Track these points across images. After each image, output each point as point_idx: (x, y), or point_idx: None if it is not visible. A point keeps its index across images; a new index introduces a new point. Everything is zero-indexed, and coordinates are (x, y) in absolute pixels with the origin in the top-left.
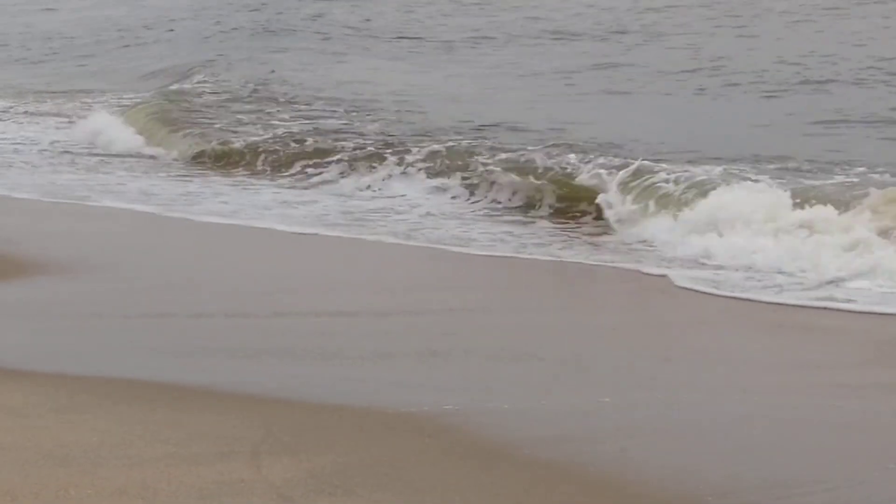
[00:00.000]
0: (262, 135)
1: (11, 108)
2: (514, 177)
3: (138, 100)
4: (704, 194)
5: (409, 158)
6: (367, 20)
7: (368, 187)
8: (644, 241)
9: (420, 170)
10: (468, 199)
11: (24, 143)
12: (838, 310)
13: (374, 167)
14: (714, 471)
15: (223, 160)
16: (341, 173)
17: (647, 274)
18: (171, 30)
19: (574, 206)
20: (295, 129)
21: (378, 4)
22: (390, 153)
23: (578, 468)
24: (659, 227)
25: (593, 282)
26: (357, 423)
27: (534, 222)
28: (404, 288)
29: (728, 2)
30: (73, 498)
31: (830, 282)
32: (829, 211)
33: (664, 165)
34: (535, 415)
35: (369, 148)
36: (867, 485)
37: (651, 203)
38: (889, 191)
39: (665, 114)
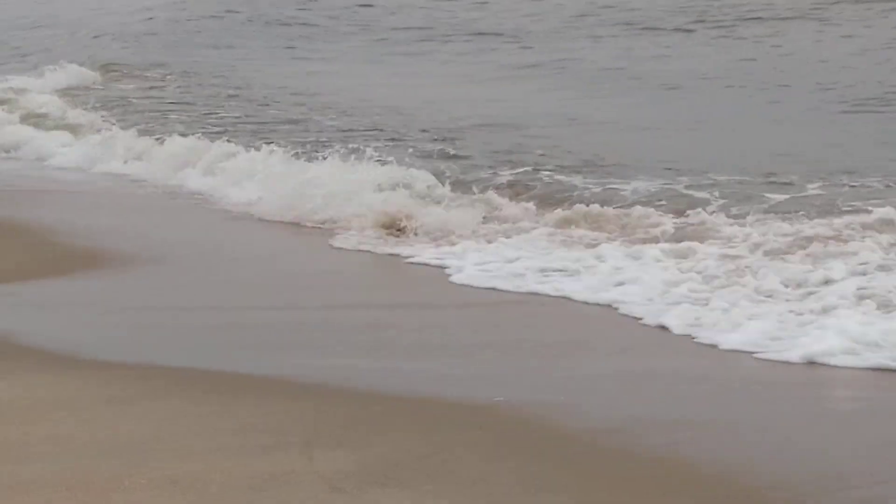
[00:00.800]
0: None
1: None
2: None
3: None
4: None
5: None
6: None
7: None
8: None
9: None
10: None
11: None
12: None
13: None
14: (765, 464)
15: None
16: None
17: None
18: None
19: None
20: None
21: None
22: None
23: (629, 461)
24: None
25: None
26: (408, 414)
27: None
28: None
29: None
30: (125, 488)
31: None
32: None
33: None
34: (585, 407)
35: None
36: None
37: None
38: None
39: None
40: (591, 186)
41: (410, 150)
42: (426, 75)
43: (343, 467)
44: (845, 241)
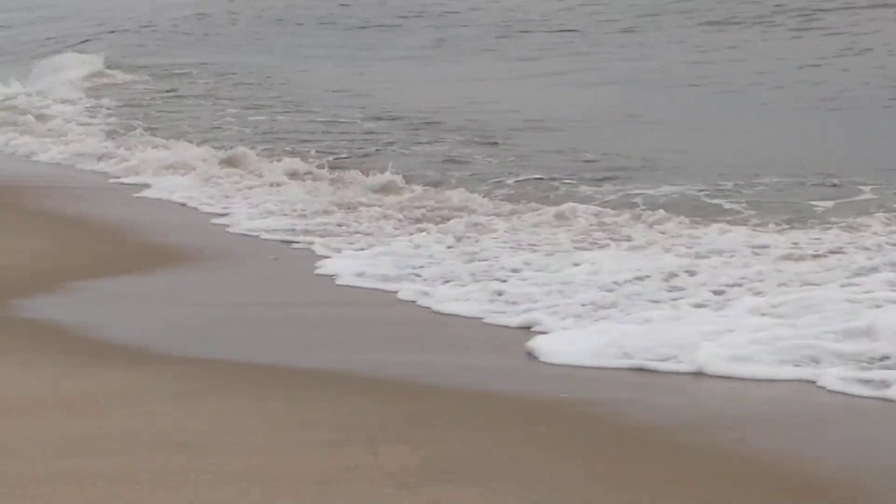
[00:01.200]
0: None
1: None
2: None
3: None
4: None
5: None
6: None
7: None
8: None
9: None
10: None
11: None
12: None
13: None
14: (830, 459)
15: None
16: None
17: None
18: None
19: None
20: None
21: None
22: None
23: (694, 456)
24: None
25: None
26: (471, 409)
27: None
28: None
29: None
30: (192, 482)
31: None
32: None
33: None
34: (650, 403)
35: None
36: None
37: None
38: None
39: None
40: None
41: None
42: (489, 73)
43: (408, 463)
44: None
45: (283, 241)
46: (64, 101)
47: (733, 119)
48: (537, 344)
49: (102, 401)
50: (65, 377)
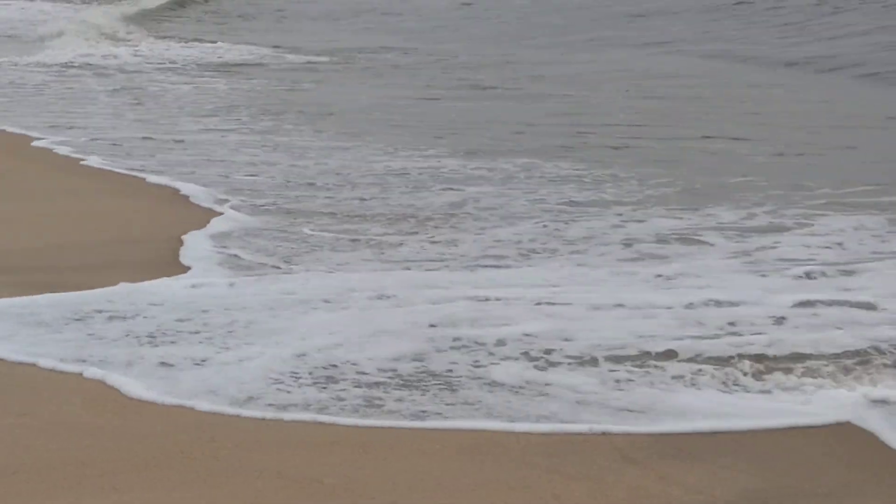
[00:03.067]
0: None
1: None
2: None
3: None
4: None
5: None
6: None
7: None
8: None
9: None
10: None
11: None
12: None
13: None
14: None
15: None
16: None
17: None
18: None
19: None
20: None
21: None
22: None
23: None
24: None
25: None
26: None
27: None
28: None
29: None
30: (424, 452)
31: None
32: None
33: None
34: None
35: None
36: None
37: None
38: None
39: None
40: None
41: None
42: None
43: (636, 439)
44: None
45: None
46: None
47: None
48: None
49: None
50: None
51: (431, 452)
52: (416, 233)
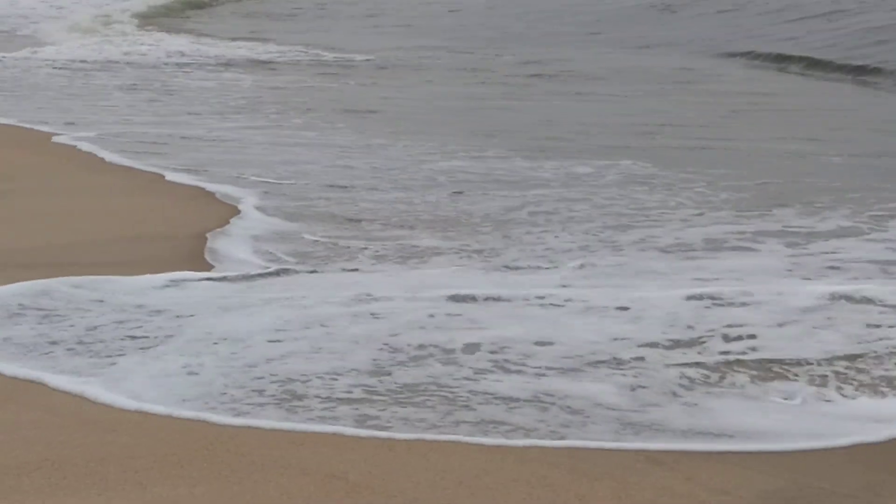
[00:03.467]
0: None
1: None
2: None
3: None
4: None
5: None
6: None
7: None
8: None
9: None
10: None
11: None
12: None
13: None
14: None
15: None
16: None
17: None
18: None
19: None
20: None
21: None
22: None
23: None
24: None
25: None
26: None
27: None
28: None
29: None
30: None
31: None
32: None
33: None
34: None
35: None
36: None
37: None
38: None
39: None
40: None
41: None
42: None
43: None
44: None
45: None
46: None
47: None
48: None
49: None
50: None
51: (453, 451)
52: (461, 240)
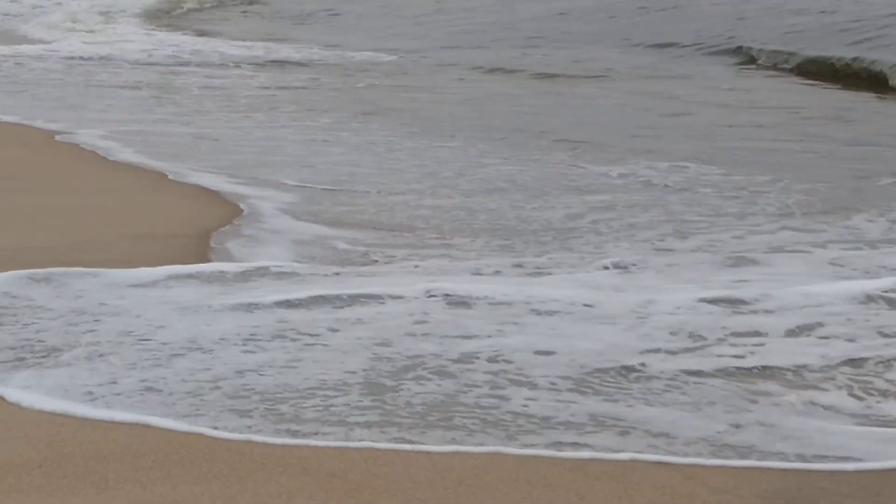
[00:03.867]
0: None
1: None
2: None
3: None
4: None
5: None
6: None
7: None
8: None
9: None
10: None
11: None
12: None
13: None
14: None
15: None
16: None
17: None
18: None
19: None
20: None
21: None
22: None
23: None
24: None
25: None
26: None
27: None
28: None
29: None
30: None
31: None
32: None
33: None
34: None
35: None
36: None
37: None
38: None
39: None
40: None
41: None
42: None
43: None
44: None
45: None
46: None
47: None
48: None
49: None
50: None
51: (453, 451)
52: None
